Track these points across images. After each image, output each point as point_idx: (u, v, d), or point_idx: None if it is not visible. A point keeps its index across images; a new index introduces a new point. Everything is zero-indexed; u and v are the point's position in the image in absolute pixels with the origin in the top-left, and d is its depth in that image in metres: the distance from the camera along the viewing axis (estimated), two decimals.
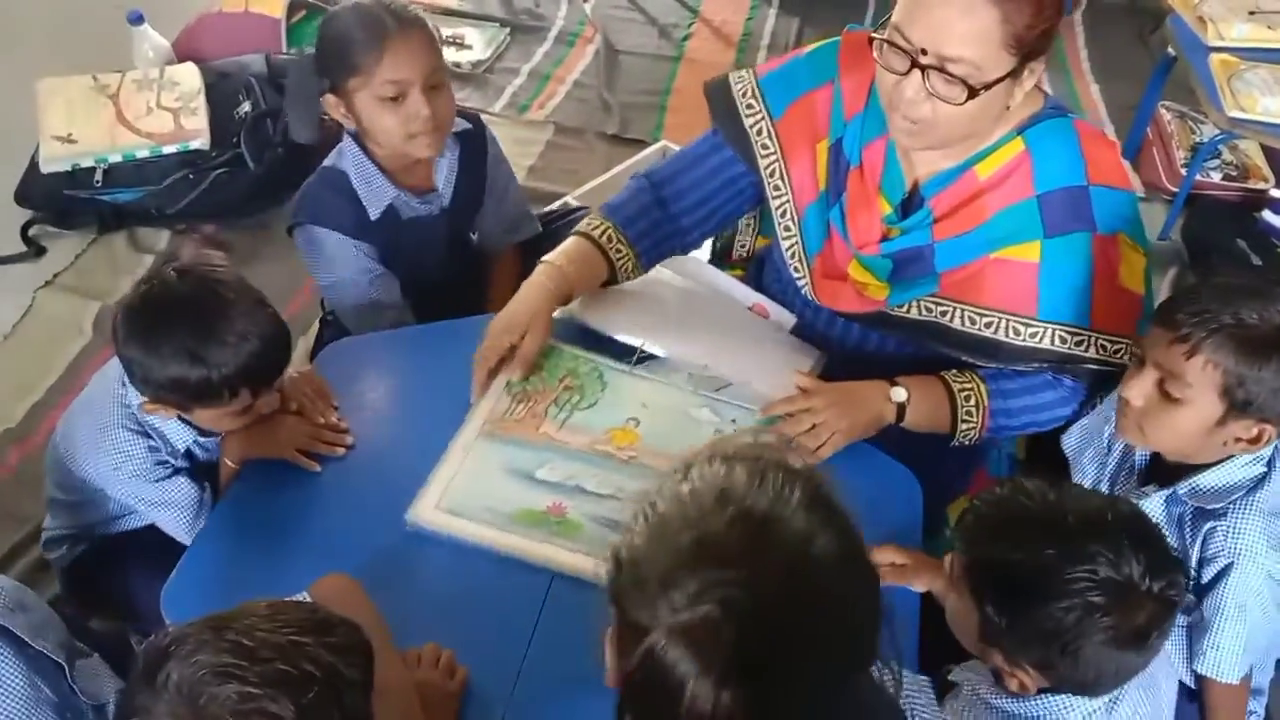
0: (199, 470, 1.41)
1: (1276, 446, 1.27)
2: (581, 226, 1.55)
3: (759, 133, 1.53)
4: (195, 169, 2.37)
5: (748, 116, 1.54)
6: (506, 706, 1.11)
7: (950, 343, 1.47)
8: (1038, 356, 1.43)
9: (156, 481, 1.36)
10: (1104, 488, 1.43)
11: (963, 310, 1.45)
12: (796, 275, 1.58)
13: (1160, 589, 1.05)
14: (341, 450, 1.36)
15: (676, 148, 2.67)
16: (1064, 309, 1.41)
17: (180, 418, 1.35)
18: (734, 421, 1.43)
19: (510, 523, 1.26)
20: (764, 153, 1.53)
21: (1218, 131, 2.46)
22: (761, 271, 1.75)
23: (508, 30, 3.33)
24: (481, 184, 1.78)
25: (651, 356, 1.49)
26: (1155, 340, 1.24)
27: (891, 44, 1.29)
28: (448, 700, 1.08)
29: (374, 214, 1.65)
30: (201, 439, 1.40)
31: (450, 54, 3.15)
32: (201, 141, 2.38)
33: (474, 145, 1.76)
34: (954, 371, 1.48)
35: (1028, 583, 1.07)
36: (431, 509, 1.27)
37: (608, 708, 1.08)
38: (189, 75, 2.48)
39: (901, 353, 1.57)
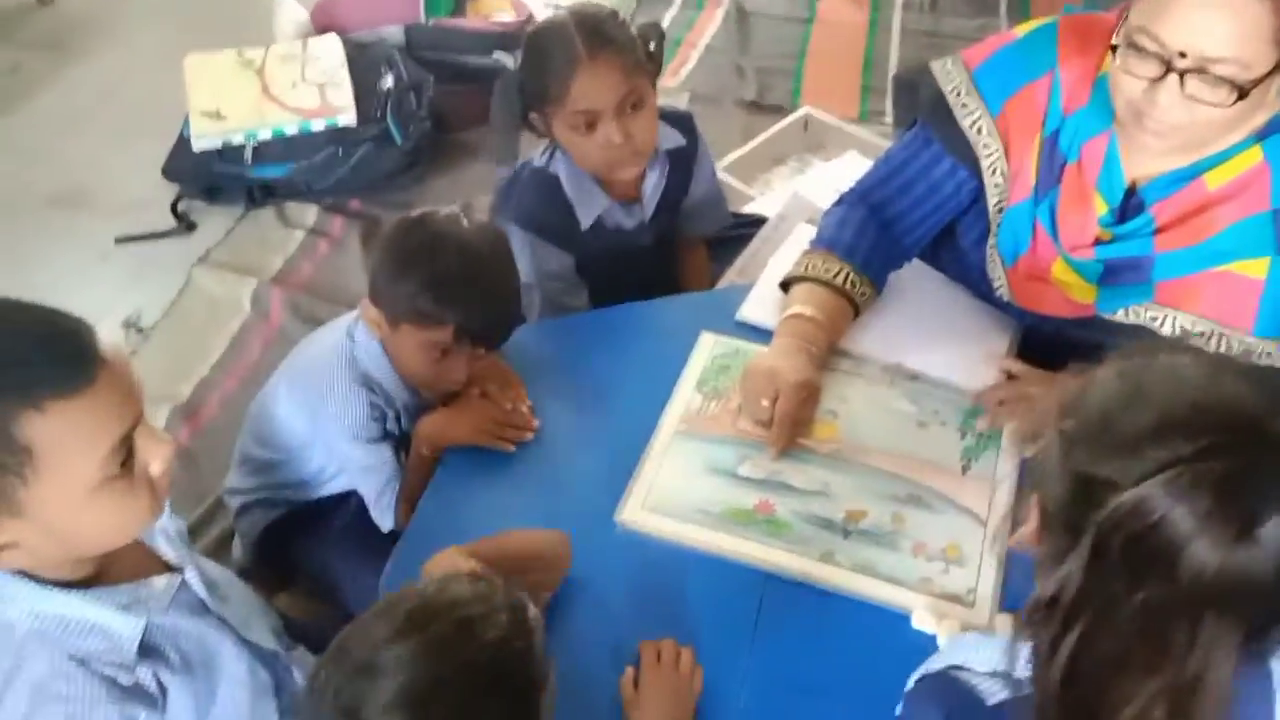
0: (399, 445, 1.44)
1: None
2: (817, 271, 1.46)
3: (979, 131, 1.42)
4: (344, 144, 2.38)
5: (965, 115, 1.43)
6: (738, 715, 1.09)
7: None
8: None
9: (369, 441, 1.40)
10: None
11: (1175, 318, 1.35)
12: (993, 276, 1.49)
13: None
14: (529, 435, 1.35)
15: (820, 115, 2.64)
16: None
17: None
18: (936, 412, 1.38)
19: (720, 522, 1.23)
20: (985, 152, 1.43)
21: None
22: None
23: None
24: (686, 190, 1.73)
25: (845, 353, 1.45)
26: None
27: (1138, 47, 1.18)
28: (689, 699, 1.06)
29: (585, 223, 1.62)
30: (410, 403, 1.44)
31: None
32: (348, 117, 2.38)
33: (684, 158, 1.69)
34: None
35: None
36: (640, 510, 1.24)
37: (840, 714, 1.07)
38: (331, 48, 2.47)
39: (1094, 340, 1.48)
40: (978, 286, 1.55)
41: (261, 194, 2.46)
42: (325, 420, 1.40)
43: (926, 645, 1.12)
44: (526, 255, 1.61)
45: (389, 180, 2.44)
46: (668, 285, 1.78)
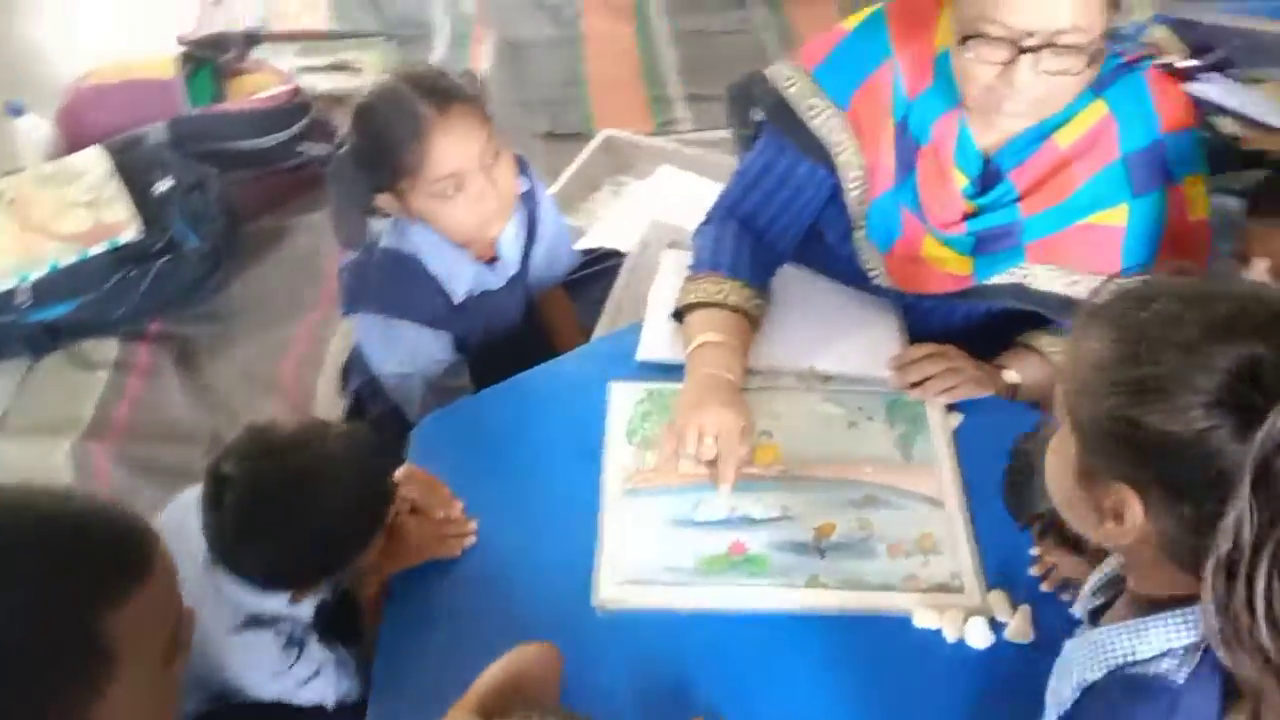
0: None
1: None
2: (708, 294, 1.43)
3: (830, 129, 1.43)
4: (133, 264, 2.15)
5: (813, 115, 1.43)
6: None
7: (1032, 301, 1.45)
8: None
9: (291, 667, 1.18)
10: None
11: (1048, 272, 1.42)
12: (869, 267, 1.51)
13: None
14: (472, 539, 1.25)
15: (620, 135, 2.63)
16: (1140, 255, 1.39)
17: None
18: (860, 409, 1.37)
19: (698, 575, 1.18)
20: (838, 149, 1.44)
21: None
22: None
23: (394, 43, 3.15)
24: (535, 235, 1.65)
25: (754, 370, 1.42)
26: (1259, 234, 1.27)
27: (985, 35, 1.20)
28: None
29: (459, 297, 1.52)
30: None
31: (343, 81, 2.97)
32: (131, 233, 2.16)
33: (529, 201, 1.62)
34: (1045, 337, 1.46)
35: None
36: (615, 587, 1.17)
37: None
38: (93, 160, 2.24)
39: (976, 313, 1.54)
40: (851, 278, 1.56)
41: (46, 338, 2.19)
42: (235, 676, 1.17)
43: (938, 643, 1.13)
44: (399, 344, 1.50)
45: (191, 291, 2.23)
46: (539, 341, 1.71)
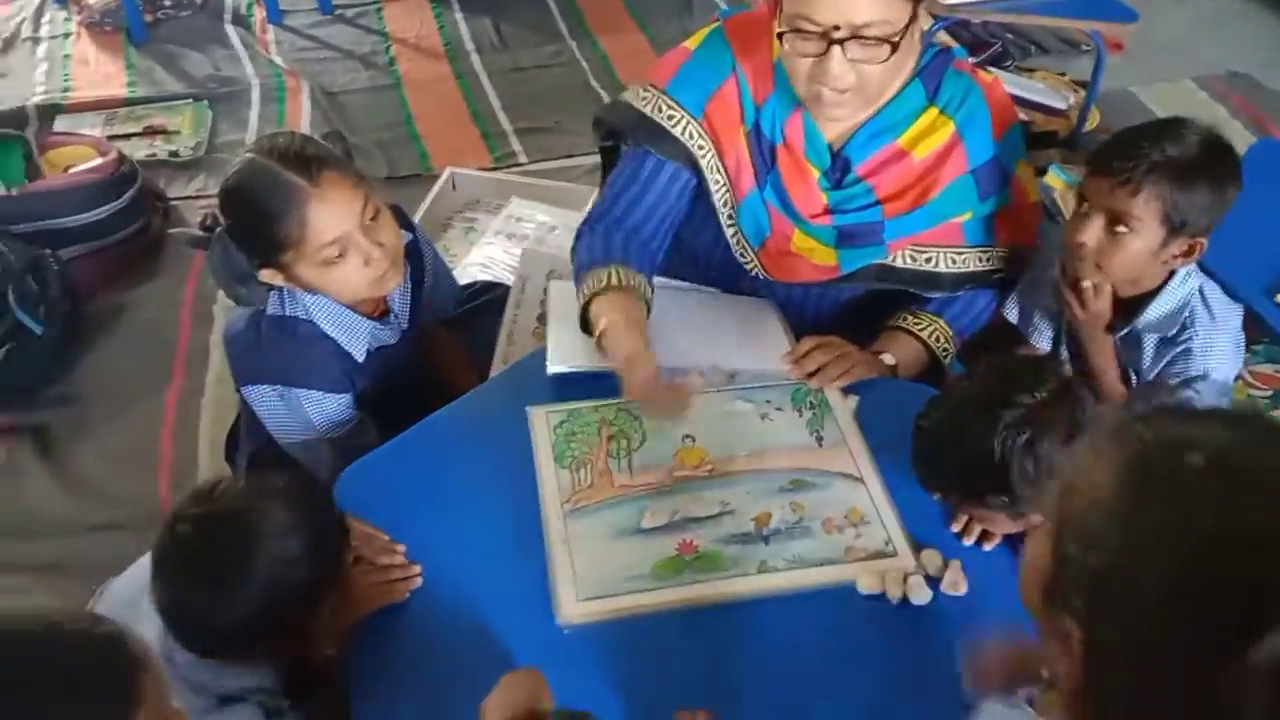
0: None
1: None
2: (598, 286, 1.49)
3: (690, 135, 1.53)
4: None
5: (673, 124, 1.53)
6: None
7: (896, 280, 1.60)
8: (970, 279, 1.60)
9: None
10: (1065, 341, 1.61)
11: (905, 251, 1.57)
12: (744, 260, 1.62)
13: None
14: (418, 581, 1.25)
15: (462, 171, 2.65)
16: (981, 233, 1.58)
17: None
18: (768, 402, 1.46)
19: (656, 579, 1.22)
20: (701, 153, 1.54)
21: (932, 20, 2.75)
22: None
23: (206, 103, 3.05)
24: (423, 281, 1.65)
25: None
26: (1099, 187, 1.40)
27: (800, 31, 1.34)
28: None
29: (360, 355, 1.50)
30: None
31: (160, 145, 2.86)
32: None
33: (414, 250, 1.61)
34: (910, 318, 1.61)
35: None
36: (577, 603, 1.20)
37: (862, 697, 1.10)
38: None
39: (842, 300, 1.67)
40: (728, 274, 1.66)
41: None
42: None
43: (884, 604, 1.21)
44: (302, 412, 1.48)
45: (39, 378, 2.09)
46: (434, 384, 1.71)
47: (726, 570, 1.24)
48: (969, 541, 1.28)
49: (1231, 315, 1.51)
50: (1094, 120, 2.96)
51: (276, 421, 1.50)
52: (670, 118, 1.54)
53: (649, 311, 1.51)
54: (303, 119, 3.02)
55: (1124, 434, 0.70)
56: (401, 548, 1.27)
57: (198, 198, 2.67)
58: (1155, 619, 0.64)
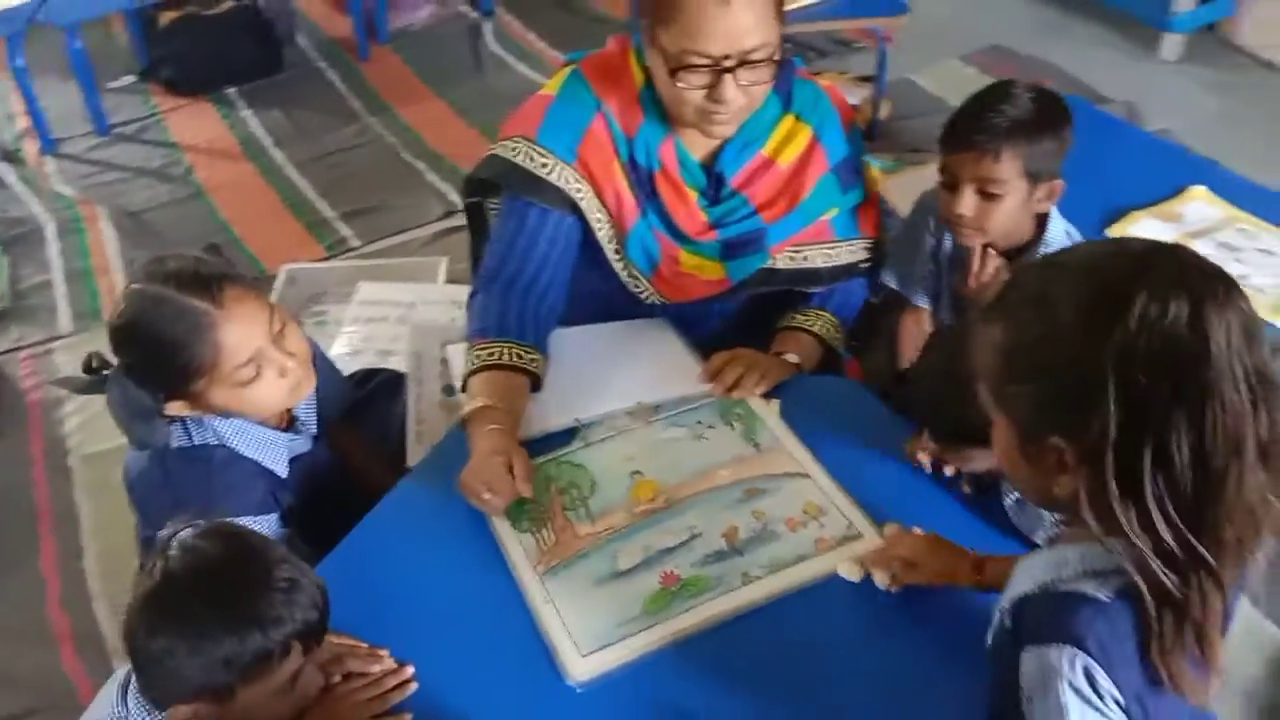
0: None
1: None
2: (477, 361, 1.49)
3: (565, 180, 1.56)
4: None
5: (547, 171, 1.55)
6: None
7: (780, 281, 1.68)
8: (844, 271, 1.70)
9: None
10: (945, 298, 1.72)
11: (785, 254, 1.66)
12: (637, 290, 1.66)
13: None
14: (413, 685, 1.20)
15: (298, 267, 2.57)
16: (847, 227, 1.69)
17: None
18: (699, 423, 1.49)
19: (649, 616, 1.22)
20: (578, 195, 1.57)
21: None
22: None
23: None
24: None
25: (590, 424, 1.50)
26: (962, 161, 1.52)
27: (690, 66, 1.40)
28: None
29: (283, 470, 1.42)
30: None
31: None
32: None
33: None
34: (798, 316, 1.69)
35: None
36: (583, 660, 1.18)
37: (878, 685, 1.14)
38: None
39: (730, 312, 1.74)
40: (623, 305, 1.70)
41: None
42: None
43: (871, 587, 1.25)
44: None
45: None
46: (352, 487, 1.65)
47: (714, 590, 1.25)
48: (950, 473, 1.36)
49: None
50: (886, 110, 3.17)
51: None
52: (544, 165, 1.56)
53: (540, 380, 1.53)
54: (108, 247, 2.84)
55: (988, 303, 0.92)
56: (385, 652, 1.22)
57: (17, 349, 2.48)
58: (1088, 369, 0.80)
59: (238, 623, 1.04)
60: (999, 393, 0.90)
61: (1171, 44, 3.51)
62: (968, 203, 1.53)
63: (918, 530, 1.27)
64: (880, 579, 1.25)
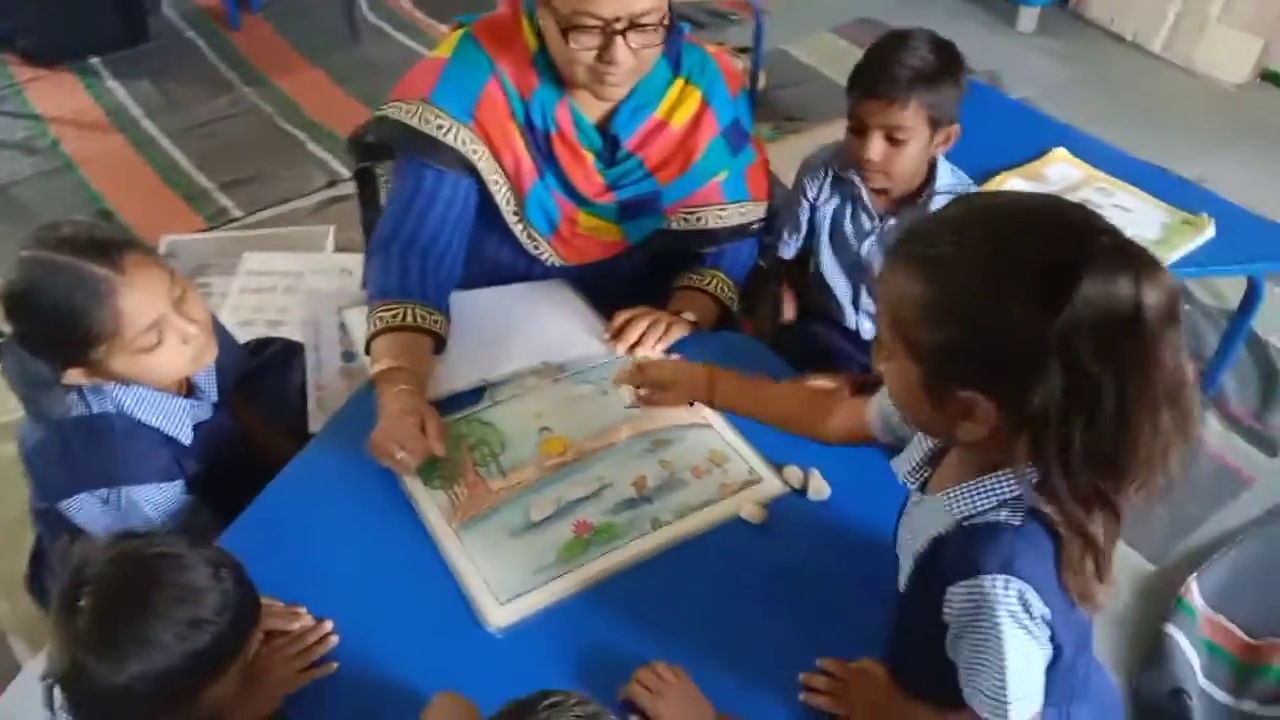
0: None
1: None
2: (380, 323, 1.50)
3: (462, 142, 1.57)
4: None
5: (443, 132, 1.56)
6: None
7: (675, 240, 1.74)
8: (736, 232, 1.76)
9: None
10: (854, 241, 1.79)
11: (679, 215, 1.72)
12: (536, 250, 1.68)
13: None
14: (334, 638, 1.22)
15: (183, 237, 2.51)
16: (736, 190, 1.74)
17: None
18: (603, 379, 1.53)
19: (564, 563, 1.27)
20: (475, 156, 1.58)
21: None
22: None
23: None
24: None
25: (497, 383, 1.53)
26: (871, 109, 1.60)
27: (581, 27, 1.43)
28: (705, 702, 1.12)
29: (187, 438, 1.40)
30: None
31: None
32: None
33: None
34: (694, 276, 1.74)
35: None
36: (500, 608, 1.22)
37: (793, 607, 1.20)
38: None
39: (626, 271, 1.77)
40: (522, 266, 1.73)
41: None
42: None
43: (775, 528, 1.33)
44: (134, 510, 1.37)
45: None
46: (251, 454, 1.63)
47: (626, 536, 1.30)
48: None
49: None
50: (763, 80, 3.25)
51: (107, 527, 1.38)
52: (440, 127, 1.57)
53: (444, 341, 1.55)
54: None
55: (903, 245, 0.92)
56: (303, 609, 1.23)
57: None
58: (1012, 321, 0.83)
59: (195, 626, 1.03)
60: (908, 337, 0.91)
61: (1028, 17, 3.71)
62: (876, 148, 1.62)
63: (675, 357, 1.51)
64: (627, 397, 1.41)
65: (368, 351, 1.53)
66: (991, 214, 0.89)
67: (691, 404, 1.45)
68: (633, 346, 1.58)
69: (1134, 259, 0.82)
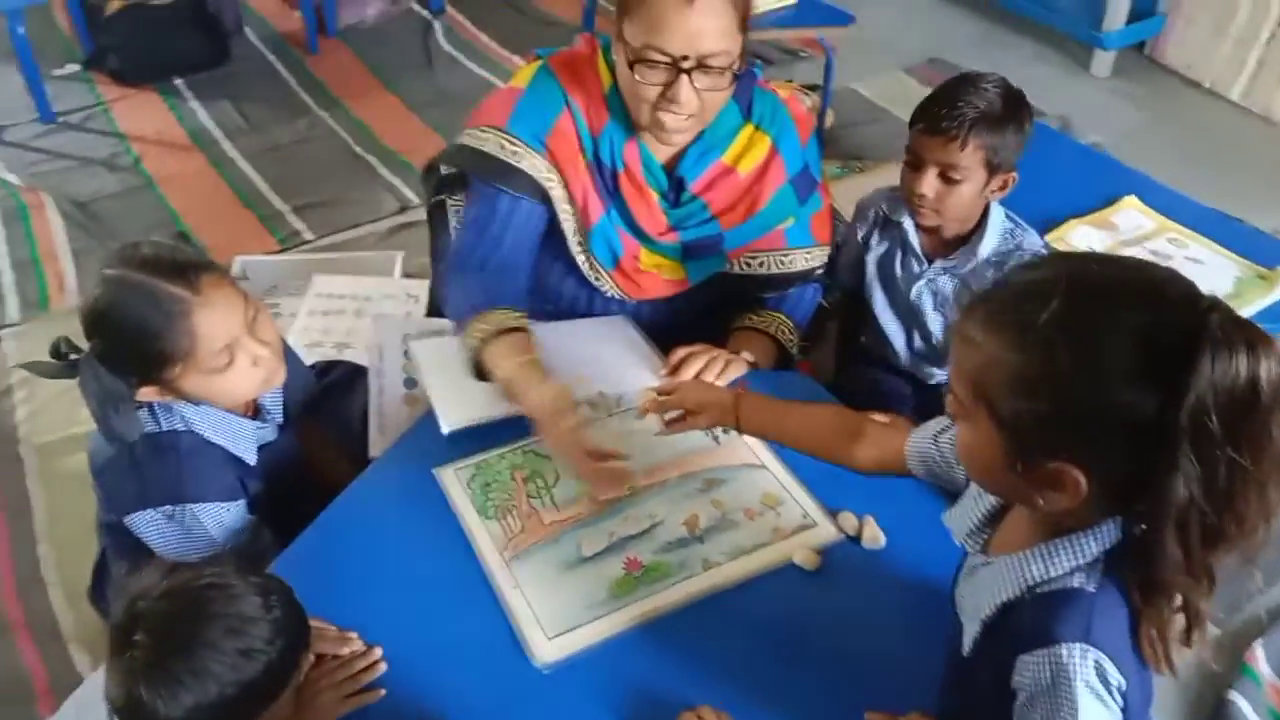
0: None
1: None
2: (486, 332, 1.53)
3: (537, 169, 1.59)
4: None
5: (518, 159, 1.59)
6: None
7: (737, 283, 1.75)
8: (799, 277, 1.77)
9: None
10: (904, 286, 1.79)
11: (741, 259, 1.73)
12: (598, 283, 1.70)
13: None
14: (382, 665, 1.23)
15: (256, 258, 2.57)
16: (801, 237, 1.75)
17: None
18: (667, 412, 1.53)
19: (614, 601, 1.27)
20: (549, 184, 1.60)
21: None
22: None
23: None
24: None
25: None
26: (930, 145, 1.61)
27: (649, 62, 1.45)
28: None
29: (252, 458, 1.44)
30: None
31: None
32: None
33: None
34: (754, 318, 1.75)
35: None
36: (549, 644, 1.22)
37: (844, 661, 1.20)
38: None
39: (687, 310, 1.78)
40: (582, 297, 1.75)
41: None
42: None
43: (828, 575, 1.32)
44: (198, 529, 1.40)
45: None
46: (310, 476, 1.67)
47: (676, 576, 1.30)
48: None
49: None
50: (830, 118, 3.25)
51: (172, 546, 1.41)
52: (515, 154, 1.59)
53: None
54: (55, 235, 2.81)
55: (992, 306, 0.88)
56: (354, 635, 1.25)
57: None
58: (1119, 410, 0.81)
59: (247, 656, 1.05)
60: (992, 403, 0.87)
61: (1102, 61, 3.66)
62: (929, 184, 1.62)
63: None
64: (657, 425, 1.41)
65: (478, 367, 1.54)
66: (1088, 280, 0.85)
67: (716, 433, 1.47)
68: None
69: (1247, 333, 0.80)
